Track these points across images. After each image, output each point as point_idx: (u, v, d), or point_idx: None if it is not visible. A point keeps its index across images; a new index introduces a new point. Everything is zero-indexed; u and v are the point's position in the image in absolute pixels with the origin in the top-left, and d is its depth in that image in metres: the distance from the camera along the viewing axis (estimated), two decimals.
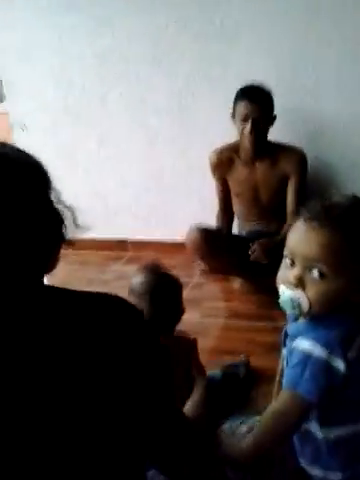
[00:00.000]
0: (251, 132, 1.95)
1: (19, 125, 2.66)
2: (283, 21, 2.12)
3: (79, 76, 2.54)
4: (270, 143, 2.06)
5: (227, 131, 2.36)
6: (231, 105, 2.27)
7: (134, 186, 2.66)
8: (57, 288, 0.66)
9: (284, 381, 0.91)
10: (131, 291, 1.34)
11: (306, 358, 0.85)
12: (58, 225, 0.65)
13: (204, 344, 1.77)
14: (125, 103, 2.52)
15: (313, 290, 0.84)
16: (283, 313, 1.62)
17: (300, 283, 0.84)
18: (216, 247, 1.98)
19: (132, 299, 1.22)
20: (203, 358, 1.68)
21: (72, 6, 2.37)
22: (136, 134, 2.56)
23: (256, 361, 1.64)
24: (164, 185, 2.60)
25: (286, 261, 0.88)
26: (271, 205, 2.09)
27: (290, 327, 0.96)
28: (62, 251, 2.45)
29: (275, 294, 0.91)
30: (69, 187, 3.05)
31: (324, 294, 0.84)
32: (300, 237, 0.86)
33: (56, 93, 2.61)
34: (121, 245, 2.77)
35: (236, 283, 2.14)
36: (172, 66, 2.36)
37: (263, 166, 2.07)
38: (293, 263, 0.86)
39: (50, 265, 0.65)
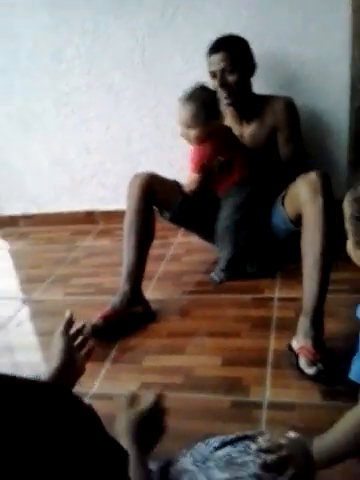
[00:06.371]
0: (220, 86, 1.71)
1: None
2: None
3: (29, 30, 2.24)
4: (256, 97, 1.82)
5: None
6: (201, 58, 2.06)
7: (99, 152, 2.43)
8: None
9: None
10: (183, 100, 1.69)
11: None
12: None
13: (185, 325, 1.64)
14: (82, 58, 2.25)
15: None
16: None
17: None
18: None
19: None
20: (181, 343, 1.55)
21: None
22: (97, 93, 2.31)
23: (244, 342, 1.51)
24: (132, 149, 2.38)
25: None
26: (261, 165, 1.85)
27: None
28: (27, 229, 2.26)
29: None
30: (27, 156, 2.82)
31: None
32: None
33: (6, 52, 2.32)
34: (89, 217, 2.57)
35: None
36: (131, 14, 2.09)
37: (251, 125, 1.83)
38: None
39: None
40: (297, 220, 1.59)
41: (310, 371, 1.32)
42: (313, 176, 1.50)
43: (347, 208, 0.84)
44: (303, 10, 1.89)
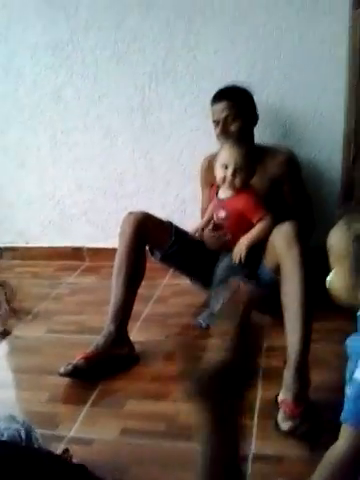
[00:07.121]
0: (222, 133, 1.75)
1: None
2: (255, 14, 1.97)
3: (30, 68, 2.30)
4: (256, 147, 1.85)
5: (193, 134, 2.20)
6: (198, 106, 2.13)
7: (91, 190, 2.44)
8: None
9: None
10: None
11: None
12: None
13: (170, 369, 1.59)
14: (81, 100, 2.30)
15: None
16: None
17: None
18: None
19: None
20: (165, 388, 1.50)
21: None
22: (94, 134, 2.35)
23: None
24: (124, 190, 2.40)
25: None
26: None
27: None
28: (12, 262, 2.19)
29: None
30: (19, 190, 2.81)
31: None
32: None
33: (4, 86, 2.36)
34: (76, 254, 2.55)
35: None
36: (133, 61, 2.17)
37: None
38: None
39: None
40: (277, 270, 1.58)
41: (284, 426, 1.28)
42: (286, 227, 1.52)
43: (340, 244, 0.89)
44: (301, 62, 1.98)
